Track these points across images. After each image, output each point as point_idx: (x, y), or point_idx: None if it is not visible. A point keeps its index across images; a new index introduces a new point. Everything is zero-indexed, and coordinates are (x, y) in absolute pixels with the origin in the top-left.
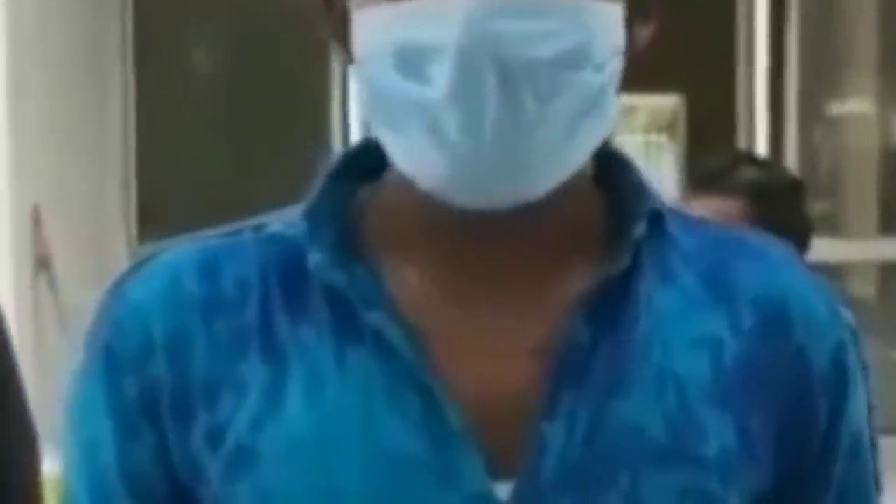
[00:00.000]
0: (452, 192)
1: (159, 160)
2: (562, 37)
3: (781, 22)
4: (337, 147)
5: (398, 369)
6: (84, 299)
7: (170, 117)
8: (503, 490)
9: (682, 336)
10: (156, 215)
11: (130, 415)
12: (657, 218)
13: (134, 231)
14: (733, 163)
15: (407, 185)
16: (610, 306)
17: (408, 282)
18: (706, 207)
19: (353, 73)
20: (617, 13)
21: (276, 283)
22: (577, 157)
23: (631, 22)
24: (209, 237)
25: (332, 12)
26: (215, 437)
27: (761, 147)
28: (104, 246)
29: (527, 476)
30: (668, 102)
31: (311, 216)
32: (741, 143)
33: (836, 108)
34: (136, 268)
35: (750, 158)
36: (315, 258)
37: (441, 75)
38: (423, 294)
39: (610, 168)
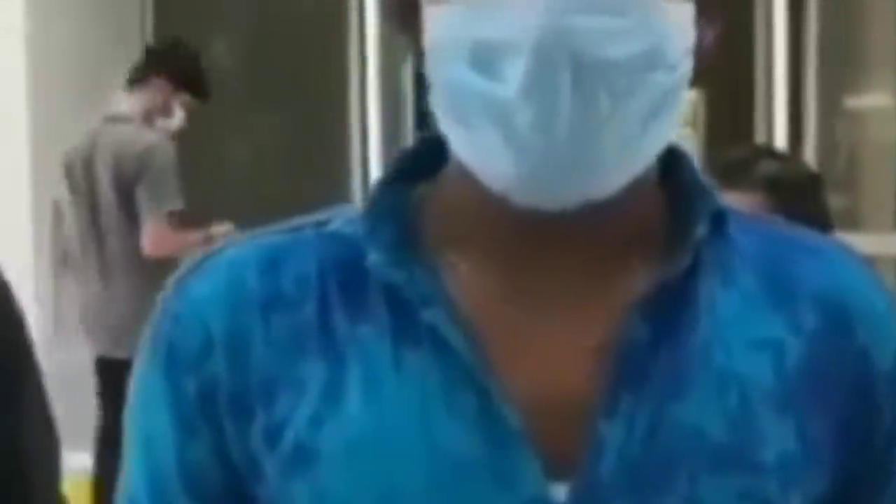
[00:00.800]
0: (520, 190)
1: (179, 156)
2: (638, 36)
3: (800, 16)
4: (356, 142)
5: (455, 368)
6: None
7: (189, 118)
8: (560, 491)
9: (743, 338)
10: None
11: (189, 412)
12: (718, 218)
13: None
14: (752, 156)
15: (467, 183)
16: (670, 307)
17: (466, 280)
18: (725, 201)
19: (426, 65)
20: (689, 13)
21: (335, 281)
22: (646, 157)
23: (698, 22)
24: (271, 233)
25: (399, 3)
26: (273, 435)
27: (780, 141)
28: None
29: (584, 477)
30: (687, 96)
31: (371, 214)
32: (760, 137)
33: (855, 102)
34: (199, 263)
35: (769, 152)
36: (374, 256)
37: (515, 72)
38: (481, 293)
39: (671, 167)
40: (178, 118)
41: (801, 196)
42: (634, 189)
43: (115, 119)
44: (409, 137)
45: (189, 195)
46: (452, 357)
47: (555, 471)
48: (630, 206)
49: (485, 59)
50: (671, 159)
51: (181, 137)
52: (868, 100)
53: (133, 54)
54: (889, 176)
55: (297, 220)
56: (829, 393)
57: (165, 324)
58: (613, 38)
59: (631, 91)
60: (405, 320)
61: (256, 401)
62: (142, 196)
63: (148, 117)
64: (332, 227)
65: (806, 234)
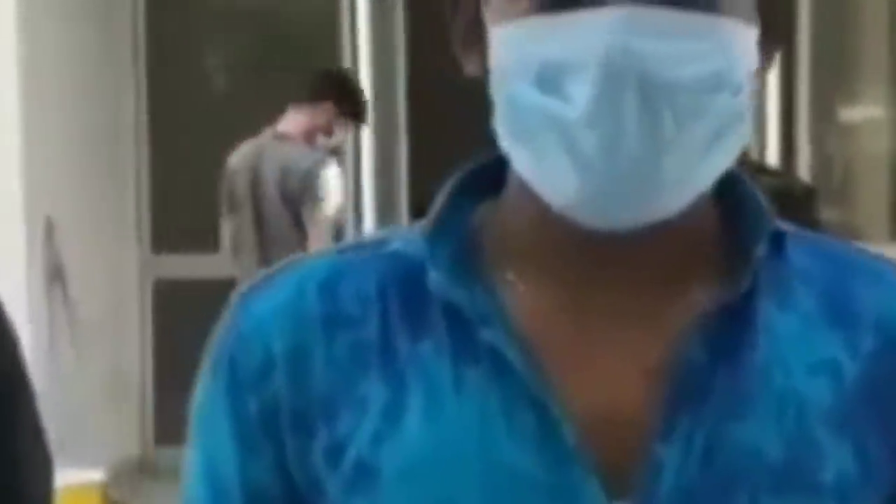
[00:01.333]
0: (582, 210)
1: (173, 172)
2: (705, 58)
3: (792, 28)
4: (349, 160)
5: (514, 387)
6: (97, 311)
7: (184, 129)
8: None
9: (802, 359)
10: (169, 228)
11: (251, 431)
12: (777, 239)
13: (147, 243)
14: (745, 171)
15: (527, 202)
16: (728, 328)
17: (525, 299)
18: None
19: (490, 85)
20: (753, 36)
21: (396, 301)
22: (708, 179)
23: (761, 48)
24: (330, 253)
25: (461, 22)
26: (335, 453)
27: (773, 153)
28: (117, 258)
29: (642, 498)
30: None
31: (432, 234)
32: (753, 150)
33: (848, 114)
34: (261, 281)
35: (761, 168)
36: (434, 275)
37: (581, 92)
38: (540, 312)
39: (731, 188)
40: (338, 138)
41: (796, 209)
42: (692, 209)
43: (281, 137)
44: (402, 154)
45: (182, 214)
46: (512, 376)
47: (612, 490)
48: (688, 226)
49: (551, 79)
50: (726, 178)
51: (174, 156)
52: (861, 111)
53: (126, 73)
54: (882, 187)
55: (355, 241)
56: (886, 414)
57: (228, 341)
58: (680, 60)
59: (696, 113)
60: (465, 339)
61: (318, 419)
62: (307, 209)
63: (310, 136)
64: (393, 246)
65: (866, 256)
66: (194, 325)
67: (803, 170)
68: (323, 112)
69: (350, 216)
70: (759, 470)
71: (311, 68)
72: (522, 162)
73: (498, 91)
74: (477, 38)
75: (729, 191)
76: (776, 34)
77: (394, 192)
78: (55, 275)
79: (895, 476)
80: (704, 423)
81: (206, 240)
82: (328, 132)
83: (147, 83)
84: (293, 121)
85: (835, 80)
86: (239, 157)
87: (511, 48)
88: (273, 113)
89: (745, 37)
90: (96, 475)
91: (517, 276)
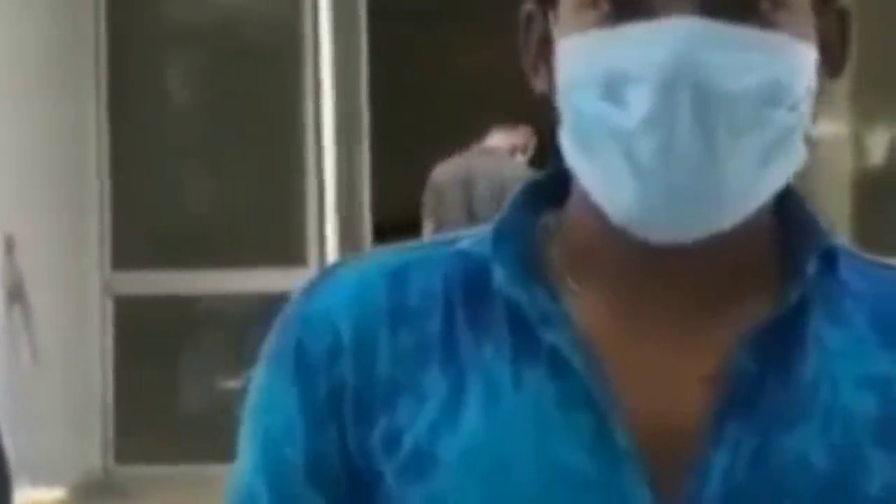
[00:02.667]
0: (640, 220)
1: (135, 190)
2: (763, 72)
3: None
4: (311, 173)
5: (572, 387)
6: (57, 329)
7: (145, 145)
8: None
9: (851, 375)
10: (131, 244)
11: (321, 411)
12: (830, 257)
13: (108, 260)
14: None
15: (588, 214)
16: (779, 341)
17: (585, 306)
18: None
19: (558, 98)
20: (812, 55)
21: (460, 298)
22: (764, 193)
23: (819, 71)
24: (397, 250)
25: (532, 40)
26: (392, 440)
27: None
28: (79, 276)
29: (689, 500)
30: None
31: (497, 235)
32: None
33: (811, 129)
34: (324, 276)
35: None
36: (499, 274)
37: (639, 100)
38: (598, 318)
39: (785, 202)
40: (527, 155)
41: None
42: (750, 222)
43: (486, 151)
44: (364, 169)
45: (143, 231)
46: (570, 376)
47: (661, 493)
48: (745, 239)
49: (614, 88)
50: (784, 194)
51: (136, 173)
52: (822, 128)
53: (88, 91)
54: (844, 203)
55: (424, 241)
56: None
57: (295, 326)
58: (737, 72)
59: (751, 126)
60: (525, 339)
61: (379, 406)
62: None
63: (512, 152)
64: (461, 245)
65: None
66: (155, 342)
67: None
68: (523, 134)
69: (314, 231)
70: (804, 479)
71: (273, 82)
72: (585, 172)
73: (564, 103)
74: (546, 54)
75: (783, 205)
76: (833, 61)
77: (356, 203)
78: (16, 292)
79: None
80: (753, 431)
81: (167, 256)
82: (524, 151)
83: (108, 100)
84: (499, 138)
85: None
86: (447, 171)
87: (577, 59)
88: (234, 127)
89: (803, 54)
90: (58, 493)
91: (578, 283)
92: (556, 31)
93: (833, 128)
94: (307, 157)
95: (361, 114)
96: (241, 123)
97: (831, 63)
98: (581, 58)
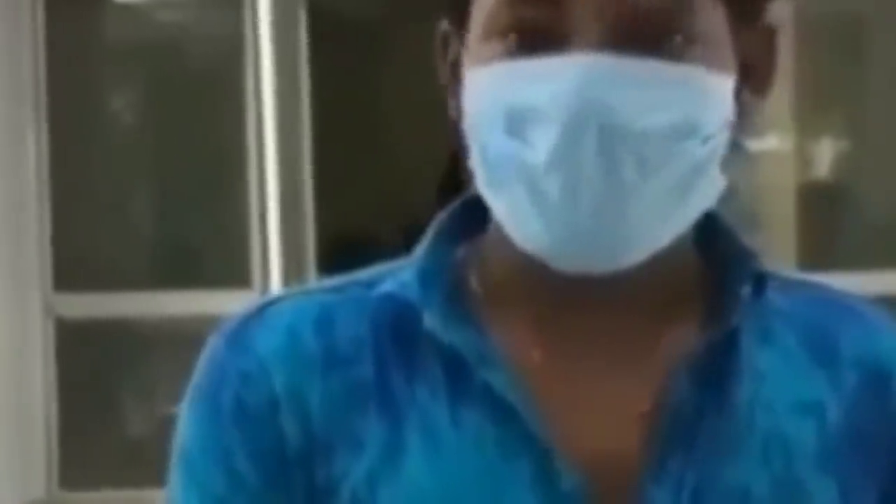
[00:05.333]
0: (551, 255)
1: (76, 208)
2: (672, 108)
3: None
4: (254, 195)
5: (513, 430)
6: (0, 353)
7: (87, 166)
8: None
9: (785, 399)
10: (72, 265)
11: (272, 465)
12: (759, 280)
13: (49, 281)
14: None
15: (509, 244)
16: (715, 367)
17: (514, 341)
18: None
19: (465, 129)
20: (727, 85)
21: (390, 342)
22: (676, 227)
23: (740, 91)
24: (318, 291)
25: (446, 65)
26: (330, 492)
27: None
28: (19, 297)
29: None
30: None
31: (423, 277)
32: None
33: (754, 142)
34: (253, 319)
35: None
36: (430, 321)
37: (544, 139)
38: (526, 354)
39: (710, 228)
40: None
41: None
42: (671, 255)
43: None
44: (307, 190)
45: (86, 253)
46: (511, 419)
47: None
48: (668, 267)
49: (518, 124)
50: (710, 219)
51: (77, 194)
52: (766, 141)
53: (25, 110)
54: (789, 218)
55: (339, 279)
56: (870, 455)
57: (231, 379)
58: (643, 109)
59: (660, 163)
60: (460, 381)
61: (316, 457)
62: None
63: None
64: (385, 288)
65: (846, 297)
66: (99, 364)
67: None
68: None
69: (258, 254)
70: None
71: (215, 102)
72: (494, 204)
73: (471, 134)
74: (458, 80)
75: (708, 231)
76: (759, 80)
77: (300, 225)
78: None
79: None
80: (694, 465)
81: (109, 278)
82: None
83: (48, 120)
84: None
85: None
86: None
87: (483, 92)
88: (177, 147)
89: (716, 87)
90: None
91: (505, 317)
92: (465, 59)
93: (777, 142)
94: (250, 178)
95: (303, 134)
96: (183, 143)
97: (758, 82)
98: (486, 91)
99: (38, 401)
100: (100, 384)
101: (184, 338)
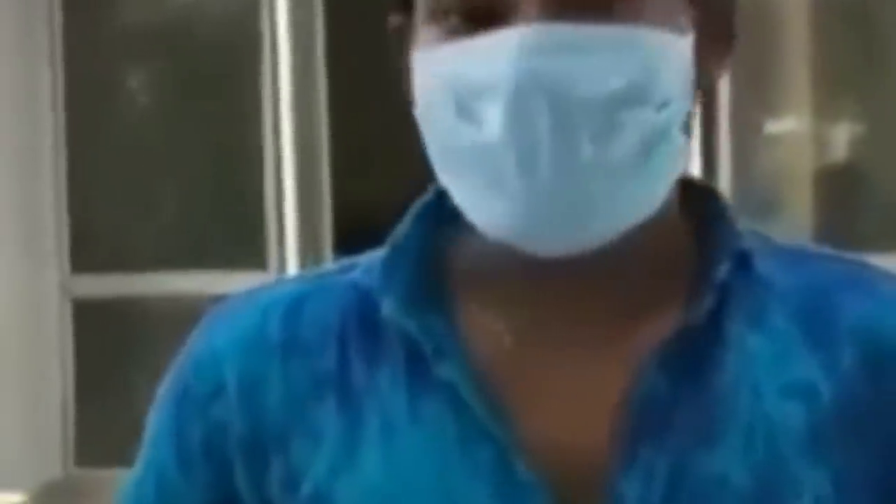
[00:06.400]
0: (515, 237)
1: (93, 189)
2: (620, 72)
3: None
4: (270, 176)
5: (470, 421)
6: (16, 332)
7: (103, 148)
8: None
9: (774, 382)
10: (89, 246)
11: (193, 457)
12: (744, 258)
13: (66, 262)
14: None
15: (477, 229)
16: (692, 353)
17: (484, 327)
18: None
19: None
20: (684, 47)
21: (355, 329)
22: (644, 199)
23: (704, 55)
24: (299, 279)
25: (404, 56)
26: (291, 483)
27: (695, 167)
28: (36, 278)
29: None
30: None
31: (390, 262)
32: None
33: (771, 126)
34: (228, 306)
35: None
36: (388, 306)
37: (494, 116)
38: (498, 340)
39: (699, 204)
40: None
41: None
42: (651, 229)
43: None
44: (323, 171)
45: (102, 233)
46: (467, 411)
47: None
48: (649, 247)
49: (466, 104)
50: (697, 196)
51: (94, 174)
52: (784, 123)
53: (43, 88)
54: (807, 200)
55: (327, 266)
56: (867, 436)
57: (186, 363)
58: (592, 75)
59: (615, 130)
60: (420, 370)
61: (271, 447)
62: None
63: None
64: (353, 275)
65: (851, 264)
66: (115, 344)
67: (725, 186)
68: None
69: (274, 234)
70: (726, 500)
71: (231, 83)
72: (455, 192)
73: (422, 120)
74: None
75: (698, 209)
76: (720, 42)
77: (317, 206)
78: None
79: (874, 499)
80: (667, 454)
81: (125, 259)
82: None
83: (65, 101)
84: None
85: (756, 92)
86: None
87: (428, 75)
88: (193, 129)
89: (671, 48)
90: (17, 497)
91: (476, 302)
92: (412, 46)
93: (794, 125)
94: (266, 159)
95: (320, 114)
96: (200, 124)
97: (719, 44)
98: (432, 74)
99: (55, 380)
100: (116, 364)
101: (198, 319)
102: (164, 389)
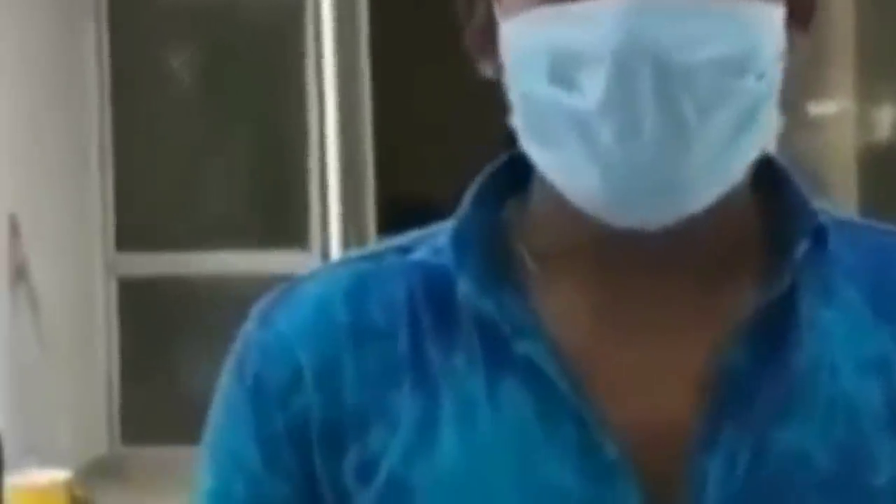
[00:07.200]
0: (607, 208)
1: (138, 169)
2: (724, 40)
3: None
4: (314, 155)
5: (551, 399)
6: (62, 310)
7: (148, 126)
8: None
9: (850, 359)
10: (134, 225)
11: (275, 447)
12: (819, 234)
13: (111, 241)
14: None
15: (557, 201)
16: (771, 330)
17: (560, 302)
18: None
19: (506, 84)
20: (779, 17)
21: (426, 311)
22: (736, 170)
23: (789, 28)
24: (352, 261)
25: (476, 25)
26: (367, 469)
27: None
28: (82, 257)
29: None
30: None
31: (458, 241)
32: None
33: (815, 107)
34: (282, 295)
35: None
36: (464, 287)
37: (595, 83)
38: (575, 318)
39: (770, 180)
40: None
41: None
42: (728, 204)
43: None
44: (367, 151)
45: (146, 211)
46: (548, 387)
47: (657, 501)
48: (726, 223)
49: (563, 71)
50: (770, 174)
51: (138, 153)
52: (829, 105)
53: (89, 68)
54: (851, 181)
55: (375, 246)
56: None
57: (253, 356)
58: (697, 43)
59: (718, 100)
60: (498, 350)
61: (349, 433)
62: None
63: None
64: (418, 255)
65: None
66: (159, 322)
67: None
68: None
69: (317, 214)
70: (807, 477)
71: (275, 64)
72: (543, 161)
73: (512, 88)
74: (491, 39)
75: (770, 184)
76: (803, 13)
77: (360, 186)
78: (19, 274)
79: None
80: (749, 431)
81: (170, 237)
82: None
83: (110, 79)
84: None
85: (801, 73)
86: None
87: (521, 42)
88: (237, 109)
89: (770, 16)
90: (63, 474)
91: (550, 279)
92: (499, 13)
93: (838, 106)
94: (310, 139)
95: (365, 94)
96: (243, 104)
97: (802, 13)
98: (527, 40)
99: (101, 359)
100: (161, 342)
101: (242, 297)
102: (229, 387)
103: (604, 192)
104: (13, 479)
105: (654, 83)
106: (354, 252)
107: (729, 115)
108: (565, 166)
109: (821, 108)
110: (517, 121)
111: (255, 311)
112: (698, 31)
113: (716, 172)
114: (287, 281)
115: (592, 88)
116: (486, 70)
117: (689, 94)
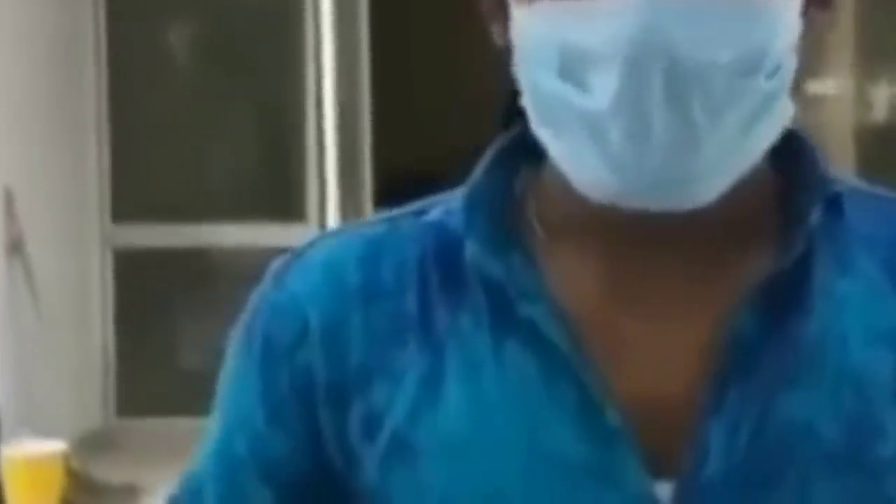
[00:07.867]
0: (615, 198)
1: (134, 142)
2: (738, 41)
3: None
4: (312, 127)
5: (554, 362)
6: (58, 282)
7: (144, 98)
8: (664, 490)
9: (862, 328)
10: (130, 197)
11: (279, 404)
12: (835, 203)
13: (108, 213)
14: None
15: (567, 176)
16: (781, 299)
17: (568, 271)
18: None
19: (514, 67)
20: (795, 6)
21: (435, 272)
22: (749, 160)
23: (808, 9)
24: (367, 224)
25: (488, 3)
26: (371, 425)
27: None
28: (78, 228)
29: (688, 477)
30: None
31: (470, 203)
32: None
33: (814, 86)
34: (296, 256)
35: None
36: (471, 248)
37: (605, 83)
38: (583, 285)
39: (787, 149)
40: None
41: None
42: (743, 182)
43: None
44: (364, 124)
45: (142, 183)
46: (550, 350)
47: (657, 469)
48: (738, 199)
49: (573, 68)
50: (787, 140)
51: (134, 126)
52: (824, 85)
53: (86, 42)
54: (849, 159)
55: (393, 212)
56: None
57: (263, 314)
58: (709, 44)
59: (729, 101)
60: (504, 311)
61: (353, 390)
62: None
63: None
64: (431, 217)
65: None
66: (156, 294)
67: None
68: None
69: (315, 186)
70: (811, 448)
71: (273, 36)
72: (552, 148)
73: (521, 73)
74: (504, 13)
75: (784, 153)
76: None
77: (357, 158)
78: (15, 246)
79: None
80: (754, 398)
81: (166, 209)
82: None
83: (107, 53)
84: None
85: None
86: None
87: (532, 33)
88: (235, 81)
89: (785, 9)
90: (59, 445)
91: (560, 246)
92: None
93: (836, 85)
94: (308, 111)
95: (363, 68)
96: (241, 76)
97: (820, 2)
98: (538, 32)
99: (96, 331)
100: (156, 314)
101: (239, 270)
102: (239, 349)
103: (614, 188)
104: (9, 451)
105: (666, 83)
106: (370, 218)
107: (740, 114)
108: (574, 158)
109: (819, 87)
110: (526, 105)
111: (270, 272)
112: (713, 29)
113: (728, 165)
114: (284, 253)
115: (603, 89)
116: (496, 38)
117: (701, 95)
